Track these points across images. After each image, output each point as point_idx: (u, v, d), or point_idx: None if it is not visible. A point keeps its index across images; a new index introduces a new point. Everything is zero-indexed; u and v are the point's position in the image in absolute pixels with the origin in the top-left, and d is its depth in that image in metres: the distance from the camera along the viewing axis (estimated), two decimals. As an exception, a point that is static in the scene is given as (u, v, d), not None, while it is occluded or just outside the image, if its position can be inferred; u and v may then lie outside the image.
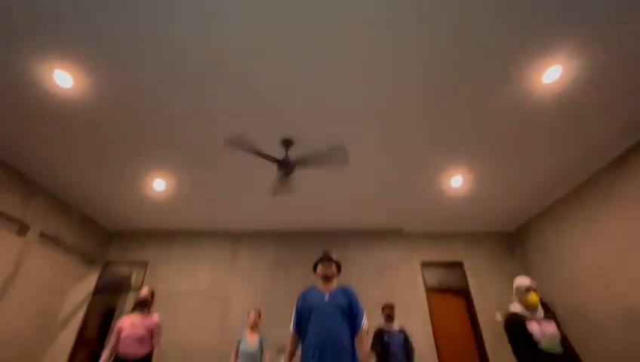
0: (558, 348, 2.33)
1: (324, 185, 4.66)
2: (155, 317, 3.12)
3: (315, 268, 2.46)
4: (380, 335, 3.72)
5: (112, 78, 2.92)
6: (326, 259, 2.40)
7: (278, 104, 3.20)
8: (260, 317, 4.11)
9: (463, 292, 5.56)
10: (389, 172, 4.40)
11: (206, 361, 4.83)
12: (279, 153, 3.70)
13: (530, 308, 2.49)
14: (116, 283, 5.75)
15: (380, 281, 5.43)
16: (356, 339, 2.12)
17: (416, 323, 5.09)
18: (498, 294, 5.36)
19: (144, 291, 3.16)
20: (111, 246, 5.76)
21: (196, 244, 5.86)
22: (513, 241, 5.86)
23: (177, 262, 5.66)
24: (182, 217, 5.57)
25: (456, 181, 4.52)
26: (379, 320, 4.01)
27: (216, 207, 5.19)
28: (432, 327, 5.12)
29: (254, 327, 4.00)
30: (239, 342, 3.89)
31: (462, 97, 3.18)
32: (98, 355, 5.50)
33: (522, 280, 2.60)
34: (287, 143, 3.57)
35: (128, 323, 2.93)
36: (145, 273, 5.54)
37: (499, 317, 5.20)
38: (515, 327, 2.45)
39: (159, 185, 4.50)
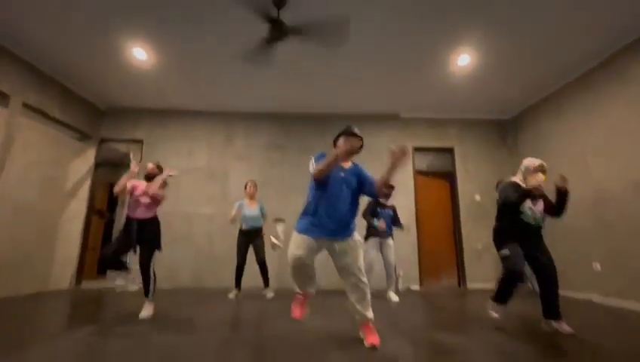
0: (538, 223, 2.59)
1: (321, 65, 4.36)
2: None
3: (336, 138, 2.36)
4: (373, 205, 4.16)
5: None
6: (352, 133, 2.29)
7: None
8: (256, 187, 4.38)
9: (449, 177, 5.89)
10: (390, 51, 4.07)
11: (211, 227, 5.37)
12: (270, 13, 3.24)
13: (534, 186, 2.54)
14: (116, 160, 5.88)
15: (372, 164, 5.61)
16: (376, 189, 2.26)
17: (401, 201, 5.53)
18: (482, 179, 5.71)
19: (150, 165, 3.21)
20: (103, 123, 5.66)
21: (190, 125, 5.79)
22: (507, 130, 5.91)
23: (173, 142, 5.70)
24: (172, 96, 5.35)
25: (461, 60, 4.26)
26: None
27: (204, 84, 4.93)
28: (416, 206, 5.61)
29: (253, 196, 4.32)
30: (241, 206, 4.24)
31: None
32: (111, 225, 6.07)
33: (534, 160, 2.63)
34: (279, 1, 3.11)
35: (141, 187, 3.07)
36: (142, 152, 5.62)
37: (478, 198, 5.67)
38: (512, 186, 2.61)
39: (139, 54, 4.13)
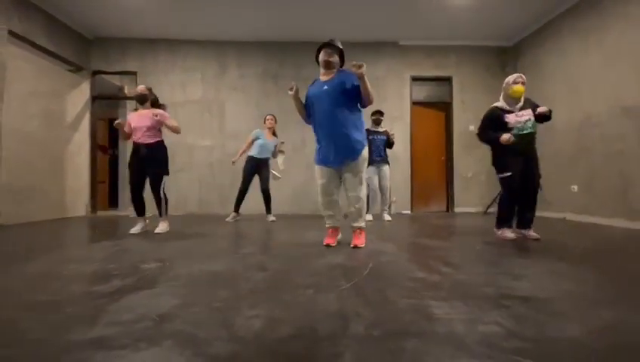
0: (529, 129, 2.69)
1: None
2: (159, 110, 3.27)
3: (317, 57, 2.43)
4: (366, 132, 4.24)
5: None
6: (328, 45, 2.36)
7: None
8: (275, 121, 4.45)
9: (445, 107, 5.94)
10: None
11: (211, 157, 5.58)
12: None
13: (513, 98, 2.71)
14: (111, 94, 5.85)
15: (369, 94, 5.64)
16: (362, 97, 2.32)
17: (397, 130, 5.65)
18: (479, 108, 5.67)
19: (140, 87, 3.26)
20: (93, 54, 5.50)
21: (182, 55, 5.64)
22: (507, 57, 5.78)
23: (166, 74, 5.61)
24: (161, 24, 5.11)
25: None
26: (368, 123, 4.48)
27: (194, 10, 4.69)
28: (411, 135, 5.76)
29: (271, 129, 4.39)
30: (256, 137, 4.29)
31: None
32: (116, 161, 6.26)
33: (512, 75, 2.76)
34: None
35: (136, 116, 3.19)
36: (136, 83, 5.56)
37: (472, 128, 5.78)
38: (490, 116, 2.78)
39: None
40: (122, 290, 1.44)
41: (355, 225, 2.51)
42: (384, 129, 4.51)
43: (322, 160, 2.43)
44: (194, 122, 5.59)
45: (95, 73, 5.52)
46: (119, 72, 5.59)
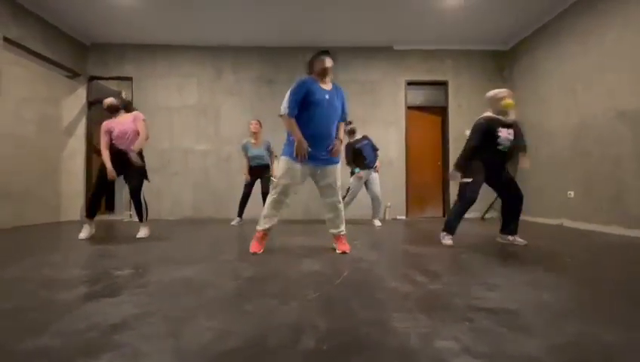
0: (507, 149, 2.76)
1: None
2: (135, 113, 3.28)
3: (309, 65, 2.42)
4: (351, 145, 4.38)
5: None
6: (327, 53, 2.38)
7: None
8: (260, 125, 4.45)
9: (441, 111, 5.89)
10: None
11: (206, 161, 5.59)
12: None
13: (505, 111, 2.71)
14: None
15: (364, 98, 5.63)
16: (340, 125, 2.48)
17: (392, 135, 5.65)
18: (475, 112, 5.65)
19: (107, 100, 3.25)
20: (89, 60, 5.56)
21: (178, 61, 5.67)
22: (504, 61, 5.73)
23: (162, 79, 5.64)
24: (158, 30, 5.16)
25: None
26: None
27: (189, 17, 4.72)
28: (406, 140, 5.71)
29: (256, 135, 4.40)
30: (246, 149, 4.35)
31: None
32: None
33: (499, 90, 2.77)
34: None
35: (117, 124, 3.18)
36: (132, 89, 5.61)
37: (468, 133, 5.72)
38: (488, 126, 2.72)
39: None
40: (86, 298, 1.43)
41: (340, 230, 2.50)
42: (362, 135, 4.49)
43: (308, 156, 2.32)
44: (189, 127, 5.61)
45: (91, 79, 5.57)
46: (115, 77, 5.63)
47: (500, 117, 2.75)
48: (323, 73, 2.37)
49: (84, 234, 3.13)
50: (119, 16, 4.74)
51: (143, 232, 3.25)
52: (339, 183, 2.48)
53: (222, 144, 5.59)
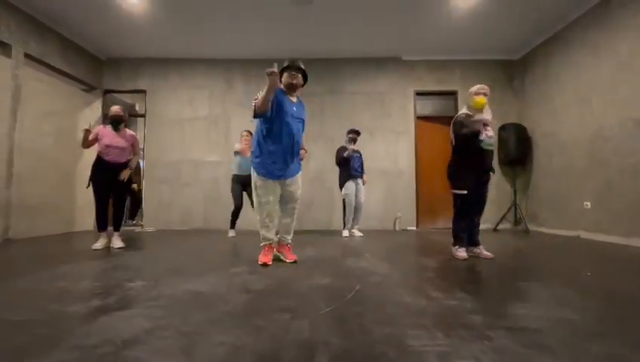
0: (491, 146, 2.72)
1: (318, 7, 4.19)
2: (131, 132, 3.44)
3: (280, 73, 2.40)
4: (343, 150, 4.48)
5: None
6: (294, 67, 2.41)
7: None
8: (250, 135, 4.46)
9: (451, 121, 5.84)
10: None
11: (217, 173, 5.63)
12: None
13: (477, 108, 2.69)
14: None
15: (372, 109, 5.64)
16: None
17: (402, 146, 5.63)
18: (484, 122, 5.65)
19: (115, 108, 3.31)
20: (105, 74, 5.72)
21: (191, 74, 5.79)
22: (514, 71, 5.69)
23: (175, 91, 5.76)
24: (172, 44, 5.29)
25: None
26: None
27: (203, 31, 4.84)
28: (416, 150, 5.68)
29: (247, 146, 4.35)
30: (239, 166, 4.31)
31: None
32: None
33: (475, 86, 2.77)
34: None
35: (109, 133, 3.24)
36: (145, 102, 5.74)
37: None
38: (464, 121, 2.71)
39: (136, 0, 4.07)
40: (98, 311, 1.43)
41: (290, 238, 2.62)
42: (357, 148, 4.57)
43: (272, 172, 2.41)
44: (200, 138, 5.69)
45: (107, 92, 5.72)
46: (129, 90, 5.77)
47: (471, 113, 2.71)
48: (291, 88, 2.43)
49: (99, 244, 3.19)
50: (134, 32, 4.89)
51: (119, 242, 3.32)
52: (299, 192, 2.60)
53: (232, 155, 5.62)
